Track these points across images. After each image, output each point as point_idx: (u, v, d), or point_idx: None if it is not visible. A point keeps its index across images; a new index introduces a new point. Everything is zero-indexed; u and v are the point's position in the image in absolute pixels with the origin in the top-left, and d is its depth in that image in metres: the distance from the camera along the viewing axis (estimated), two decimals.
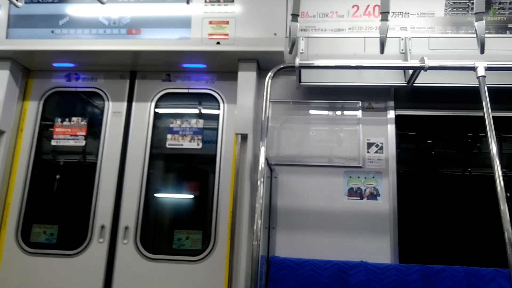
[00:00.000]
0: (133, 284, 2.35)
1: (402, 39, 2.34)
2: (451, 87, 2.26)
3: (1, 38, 2.42)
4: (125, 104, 2.62)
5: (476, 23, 1.87)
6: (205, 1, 2.37)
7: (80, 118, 2.65)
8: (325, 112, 2.48)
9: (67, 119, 2.65)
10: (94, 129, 2.62)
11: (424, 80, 2.22)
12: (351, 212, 2.30)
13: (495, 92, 1.94)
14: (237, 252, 2.22)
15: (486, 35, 1.88)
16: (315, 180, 2.35)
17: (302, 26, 2.45)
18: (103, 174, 2.51)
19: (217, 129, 2.53)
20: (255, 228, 1.64)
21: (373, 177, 2.33)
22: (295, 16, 2.00)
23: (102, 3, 2.16)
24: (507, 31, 2.39)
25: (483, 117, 1.81)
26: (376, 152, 2.37)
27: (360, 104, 2.44)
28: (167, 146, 2.55)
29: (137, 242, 2.40)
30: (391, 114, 2.41)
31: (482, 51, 1.89)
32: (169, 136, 2.56)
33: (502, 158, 2.11)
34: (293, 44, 2.05)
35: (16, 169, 2.56)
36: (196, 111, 2.64)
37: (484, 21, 1.86)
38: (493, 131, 1.75)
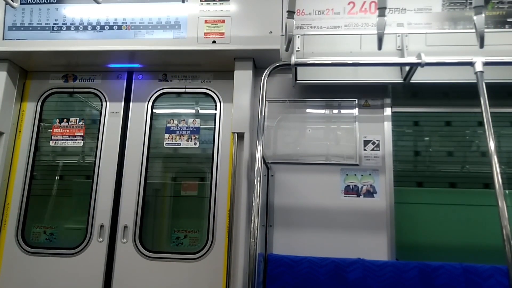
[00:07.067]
0: (132, 282, 2.37)
1: (399, 36, 2.31)
2: (448, 84, 2.24)
3: None
4: (122, 104, 2.63)
5: (475, 17, 1.81)
6: (201, 0, 2.37)
7: (78, 119, 2.66)
8: (322, 110, 2.46)
9: (65, 120, 2.67)
10: (92, 130, 2.63)
11: (421, 76, 2.19)
12: (348, 209, 2.30)
13: (493, 88, 1.92)
14: (235, 250, 2.24)
15: (485, 30, 1.84)
16: (312, 178, 2.35)
17: (298, 24, 2.43)
18: (102, 174, 2.52)
19: (214, 128, 2.54)
20: (252, 226, 1.64)
21: (370, 174, 2.33)
22: (291, 13, 1.98)
23: (97, 3, 2.17)
24: (506, 25, 2.36)
25: (481, 114, 1.79)
26: (372, 149, 2.36)
27: (356, 102, 2.42)
28: (165, 145, 2.57)
29: (136, 241, 2.42)
30: (388, 111, 2.39)
31: (481, 46, 1.84)
32: (166, 135, 2.58)
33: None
34: (289, 41, 2.03)
35: (16, 170, 2.59)
36: (193, 110, 2.64)
37: (483, 15, 1.81)
38: (491, 127, 1.72)
